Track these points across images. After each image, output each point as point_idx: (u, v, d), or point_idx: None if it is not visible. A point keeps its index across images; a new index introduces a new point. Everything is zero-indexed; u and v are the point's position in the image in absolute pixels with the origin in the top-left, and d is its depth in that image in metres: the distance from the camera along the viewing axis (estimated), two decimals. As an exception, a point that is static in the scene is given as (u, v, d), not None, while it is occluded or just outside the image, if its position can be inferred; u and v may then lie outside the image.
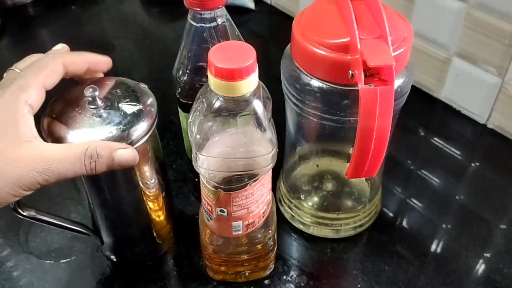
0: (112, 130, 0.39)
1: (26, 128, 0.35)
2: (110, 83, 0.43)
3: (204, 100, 0.38)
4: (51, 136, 0.39)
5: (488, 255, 0.52)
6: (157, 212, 0.49)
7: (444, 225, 0.55)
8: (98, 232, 0.48)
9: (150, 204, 0.47)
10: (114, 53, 0.80)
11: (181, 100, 0.48)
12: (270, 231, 0.46)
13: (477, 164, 0.62)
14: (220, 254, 0.47)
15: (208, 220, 0.44)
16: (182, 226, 0.55)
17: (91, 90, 0.39)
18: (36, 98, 0.37)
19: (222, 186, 0.40)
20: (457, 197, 0.58)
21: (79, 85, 0.42)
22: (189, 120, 0.39)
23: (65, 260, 0.52)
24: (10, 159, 0.34)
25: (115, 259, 0.52)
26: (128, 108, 0.40)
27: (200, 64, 0.45)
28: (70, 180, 0.41)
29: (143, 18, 0.91)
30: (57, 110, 0.40)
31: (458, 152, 0.63)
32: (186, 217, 0.56)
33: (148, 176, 0.45)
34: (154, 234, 0.50)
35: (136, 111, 0.40)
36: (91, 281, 0.50)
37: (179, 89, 0.47)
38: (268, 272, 0.50)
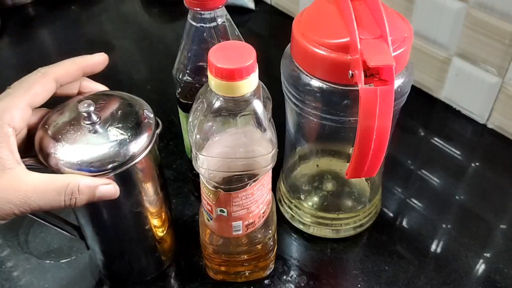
0: (108, 146, 0.38)
1: (7, 154, 0.35)
2: (106, 97, 0.42)
3: (204, 100, 0.38)
4: (42, 153, 0.38)
5: (488, 255, 0.52)
6: (159, 227, 0.48)
7: (444, 225, 0.55)
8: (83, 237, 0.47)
9: (154, 221, 0.46)
10: (114, 53, 0.80)
11: (181, 100, 0.48)
12: (270, 231, 0.46)
13: (477, 164, 0.62)
14: (220, 254, 0.47)
15: (208, 220, 0.44)
16: (182, 226, 0.55)
17: (86, 105, 0.38)
18: (20, 119, 0.36)
19: (222, 186, 0.40)
20: (457, 197, 0.58)
21: (77, 98, 0.42)
22: (189, 120, 0.39)
23: (65, 260, 0.52)
24: None
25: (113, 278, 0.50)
26: (124, 122, 0.39)
27: (200, 64, 0.45)
28: None
29: (143, 18, 0.91)
30: (51, 124, 0.39)
31: (458, 152, 0.63)
32: (186, 217, 0.56)
33: (148, 192, 0.43)
34: (157, 250, 0.49)
35: (133, 125, 0.39)
36: (91, 281, 0.50)
37: (179, 89, 0.47)
38: (268, 272, 0.50)
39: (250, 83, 0.35)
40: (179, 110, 0.50)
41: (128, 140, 0.38)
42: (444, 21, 0.63)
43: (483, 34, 0.60)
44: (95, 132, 0.38)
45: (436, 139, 0.65)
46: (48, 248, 0.53)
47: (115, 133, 0.38)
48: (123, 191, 0.40)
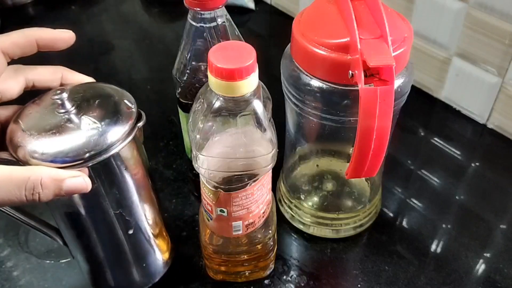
0: (82, 136, 0.35)
1: None
2: (85, 87, 0.39)
3: (204, 100, 0.38)
4: (12, 145, 0.35)
5: (488, 255, 0.52)
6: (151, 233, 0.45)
7: (444, 225, 0.55)
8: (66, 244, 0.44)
9: (140, 225, 0.43)
10: (114, 53, 0.80)
11: (181, 100, 0.48)
12: (270, 231, 0.46)
13: (477, 164, 0.62)
14: (220, 254, 0.47)
15: (208, 220, 0.44)
16: (182, 226, 0.55)
17: (58, 92, 0.35)
18: None
19: (222, 186, 0.40)
20: (457, 197, 0.58)
21: (54, 90, 0.38)
22: (189, 120, 0.39)
23: (65, 260, 0.52)
24: None
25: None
26: (101, 111, 0.36)
27: (200, 64, 0.45)
28: None
29: (143, 18, 0.91)
30: (24, 116, 0.36)
31: (458, 152, 0.63)
32: (186, 217, 0.56)
33: (131, 191, 0.40)
34: (145, 259, 0.46)
35: (111, 114, 0.36)
36: (91, 281, 0.50)
37: (179, 89, 0.47)
38: (268, 272, 0.50)
39: (250, 83, 0.35)
40: (179, 110, 0.50)
41: (103, 129, 0.35)
42: (444, 21, 0.63)
43: (483, 34, 0.60)
44: (69, 121, 0.35)
45: (436, 139, 0.65)
46: (48, 248, 0.53)
47: (90, 122, 0.35)
48: (100, 188, 0.38)
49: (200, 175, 0.41)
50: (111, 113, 0.37)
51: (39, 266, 0.51)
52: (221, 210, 0.42)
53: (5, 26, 0.86)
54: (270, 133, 0.38)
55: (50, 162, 0.34)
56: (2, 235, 0.54)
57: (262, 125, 0.37)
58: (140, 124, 0.38)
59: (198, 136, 0.38)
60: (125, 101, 0.38)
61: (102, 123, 0.36)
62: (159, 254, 0.48)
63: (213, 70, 0.34)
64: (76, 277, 0.51)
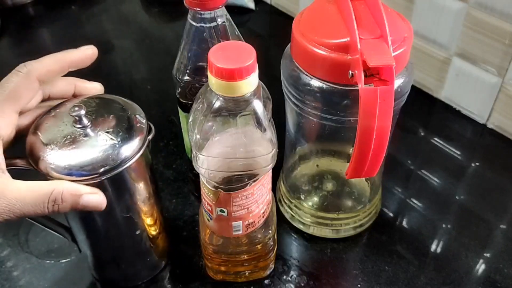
0: (99, 151, 0.37)
1: None
2: (98, 101, 0.41)
3: (204, 100, 0.38)
4: (32, 157, 0.37)
5: (488, 255, 0.52)
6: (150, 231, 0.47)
7: (444, 225, 0.55)
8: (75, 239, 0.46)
9: (146, 226, 0.46)
10: (114, 53, 0.80)
11: (181, 100, 0.48)
12: (270, 231, 0.46)
13: (477, 164, 0.62)
14: (220, 254, 0.47)
15: (208, 220, 0.44)
16: (182, 226, 0.55)
17: (77, 109, 0.38)
18: (5, 126, 0.36)
19: (222, 186, 0.40)
20: (457, 197, 0.58)
21: (69, 101, 0.41)
22: (189, 120, 0.39)
23: (65, 260, 0.52)
24: None
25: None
26: (116, 126, 0.39)
27: (200, 64, 0.45)
28: None
29: (143, 18, 0.91)
30: (42, 128, 0.39)
31: (458, 152, 0.63)
32: (186, 217, 0.56)
33: (139, 197, 0.43)
34: (149, 254, 0.49)
35: (125, 130, 0.39)
36: (91, 281, 0.50)
37: (179, 89, 0.47)
38: (268, 272, 0.50)
39: (250, 83, 0.35)
40: (179, 110, 0.50)
41: (119, 145, 0.38)
42: (444, 21, 0.63)
43: (483, 34, 0.60)
44: (86, 136, 0.38)
45: (436, 139, 0.65)
46: (48, 248, 0.53)
47: (106, 137, 0.38)
48: (114, 195, 0.40)
49: (200, 175, 0.41)
50: (125, 129, 0.39)
51: (39, 266, 0.51)
52: (221, 210, 0.42)
53: (5, 26, 0.86)
54: (270, 133, 0.38)
55: (68, 175, 0.37)
56: (2, 235, 0.54)
57: (262, 125, 0.37)
58: (150, 136, 0.41)
59: (198, 136, 0.38)
60: (137, 116, 0.41)
61: (118, 139, 0.38)
62: (160, 249, 0.50)
63: (213, 70, 0.34)
64: (76, 277, 0.51)
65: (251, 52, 0.35)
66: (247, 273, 0.49)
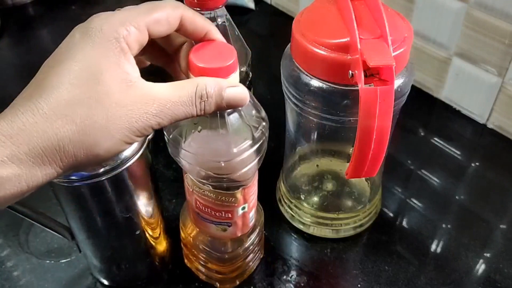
0: None
1: (130, 67, 0.31)
2: None
3: None
4: None
5: (488, 255, 0.52)
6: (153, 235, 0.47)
7: (444, 225, 0.55)
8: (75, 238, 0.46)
9: (146, 226, 0.46)
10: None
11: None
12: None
13: (477, 164, 0.62)
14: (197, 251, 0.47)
15: (225, 230, 0.43)
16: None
17: None
18: (135, 39, 0.32)
19: (244, 184, 0.40)
20: (457, 197, 0.58)
21: None
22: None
23: (65, 260, 0.52)
24: (121, 102, 0.30)
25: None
26: None
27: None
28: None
29: (143, 18, 0.91)
30: None
31: (458, 152, 0.63)
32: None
33: (140, 197, 0.43)
34: (149, 255, 0.49)
35: None
36: (91, 281, 0.50)
37: (179, 89, 0.47)
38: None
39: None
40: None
41: None
42: (444, 21, 0.63)
43: (483, 34, 0.60)
44: None
45: (436, 139, 0.65)
46: (48, 248, 0.53)
47: None
48: (114, 195, 0.40)
49: (216, 191, 0.40)
50: None
51: (39, 266, 0.51)
52: (242, 208, 0.42)
53: (5, 26, 0.86)
54: (250, 126, 0.37)
55: (67, 175, 0.37)
56: (2, 235, 0.54)
57: (248, 123, 0.37)
58: (150, 136, 0.41)
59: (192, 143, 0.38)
60: None
61: None
62: (159, 251, 0.49)
63: (194, 69, 0.33)
64: (76, 277, 0.51)
65: (232, 51, 0.34)
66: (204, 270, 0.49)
